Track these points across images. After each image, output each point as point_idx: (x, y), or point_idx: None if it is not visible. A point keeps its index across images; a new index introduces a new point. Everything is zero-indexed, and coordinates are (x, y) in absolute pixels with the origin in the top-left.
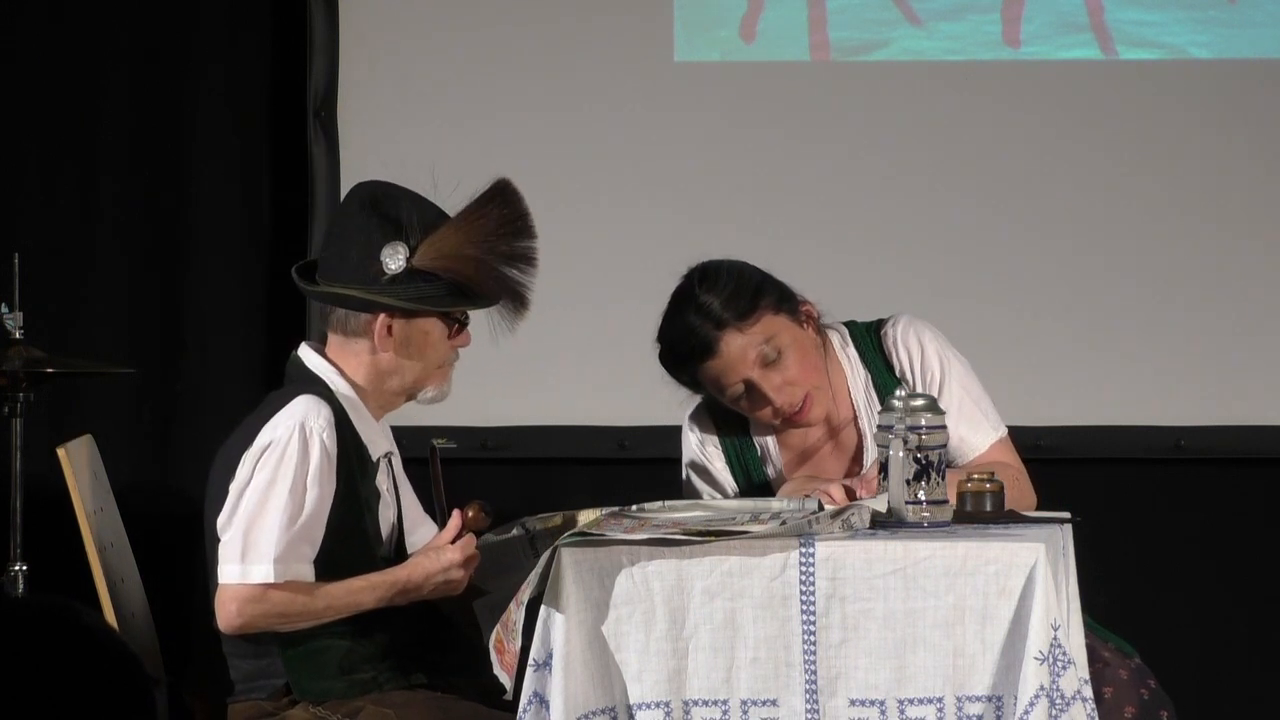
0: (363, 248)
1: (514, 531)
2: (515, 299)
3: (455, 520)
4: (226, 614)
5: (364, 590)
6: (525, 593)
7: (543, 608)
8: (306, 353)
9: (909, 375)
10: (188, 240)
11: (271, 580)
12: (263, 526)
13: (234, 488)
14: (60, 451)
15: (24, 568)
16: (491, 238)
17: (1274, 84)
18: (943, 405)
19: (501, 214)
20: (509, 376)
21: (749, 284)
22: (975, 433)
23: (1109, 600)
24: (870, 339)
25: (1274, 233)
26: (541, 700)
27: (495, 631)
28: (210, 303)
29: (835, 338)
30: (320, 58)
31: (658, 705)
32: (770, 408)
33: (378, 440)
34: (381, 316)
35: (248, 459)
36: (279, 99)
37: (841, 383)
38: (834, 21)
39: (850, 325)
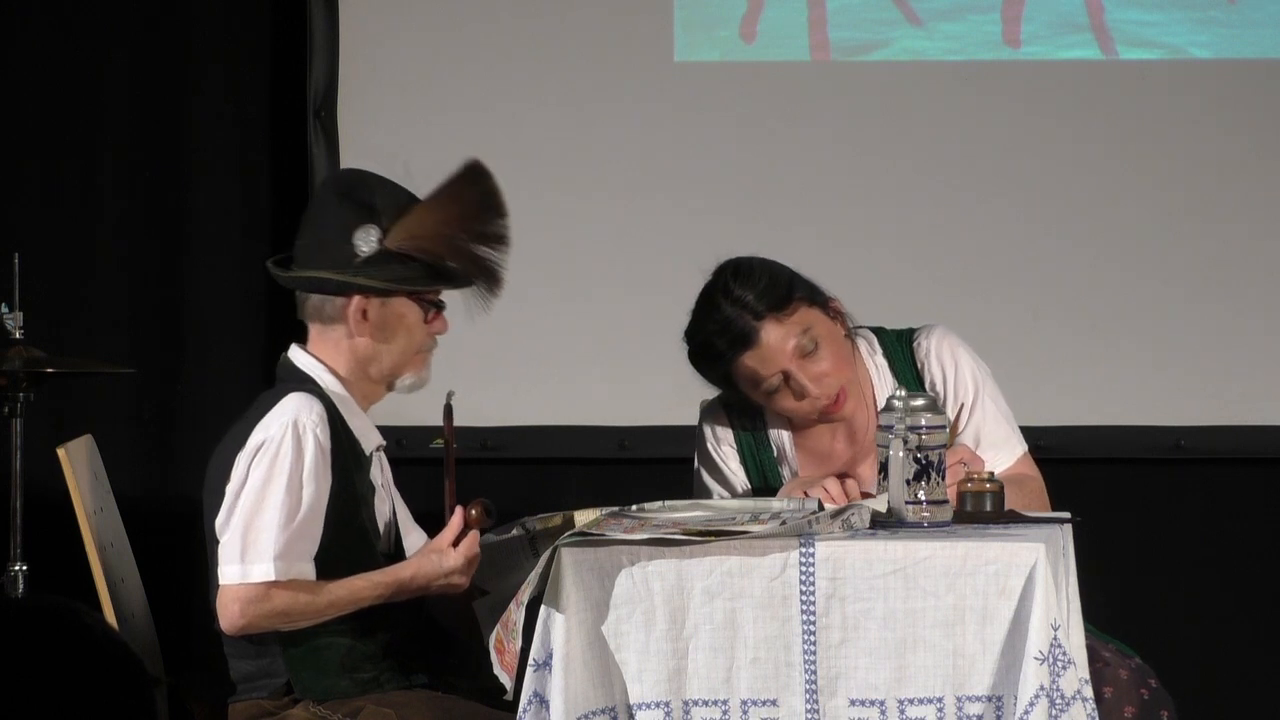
0: (336, 233)
1: (514, 531)
2: (489, 278)
3: (458, 519)
4: (230, 615)
5: (366, 589)
6: (525, 593)
7: (543, 608)
8: (296, 352)
9: (941, 388)
10: (188, 240)
11: (272, 578)
12: (261, 525)
13: (230, 489)
14: (60, 451)
15: (24, 568)
16: (463, 218)
17: (1274, 84)
18: (977, 421)
19: (473, 194)
20: (509, 376)
21: (783, 276)
22: (1005, 446)
23: (1109, 600)
24: (901, 349)
25: (1274, 233)
26: (541, 700)
27: (495, 631)
28: (210, 303)
29: (863, 344)
30: (320, 58)
31: (658, 705)
32: (806, 400)
33: (369, 434)
34: (355, 299)
35: (242, 459)
36: (279, 99)
37: (867, 390)
38: (834, 21)
39: (879, 332)
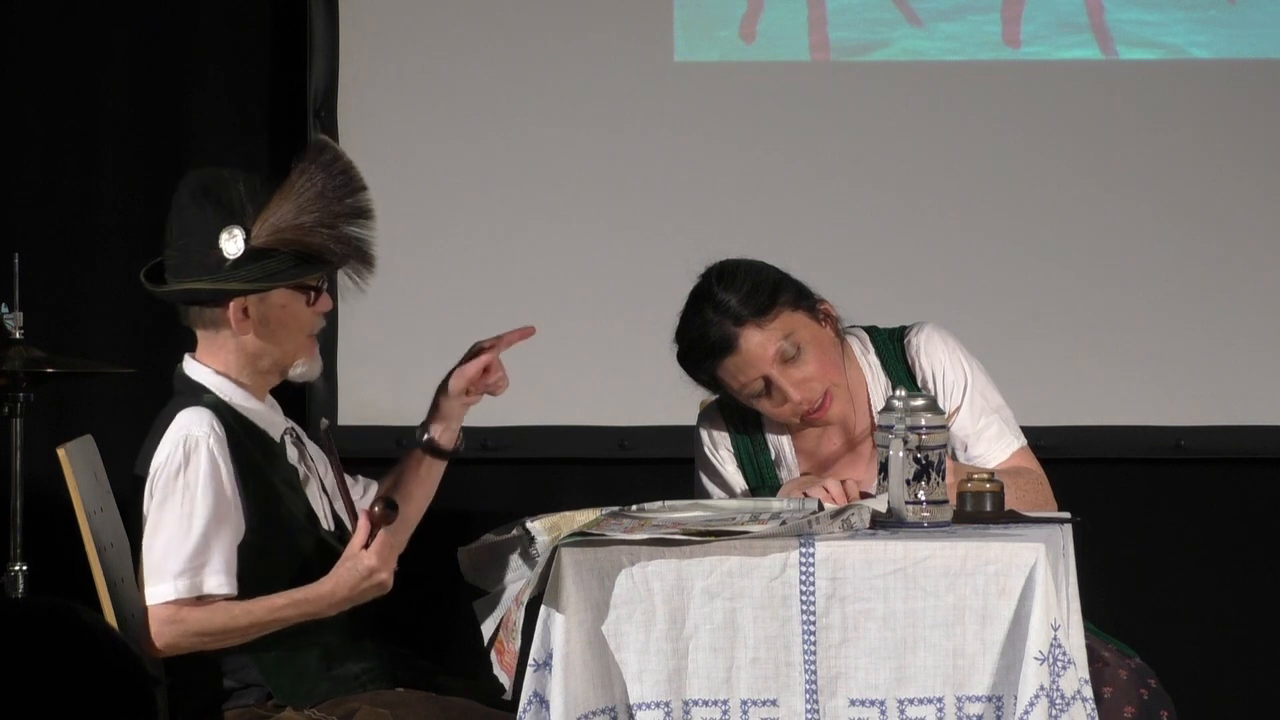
0: (201, 238)
1: (514, 531)
2: (359, 256)
3: (364, 523)
4: (150, 638)
5: (286, 607)
6: (525, 593)
7: (543, 608)
8: (187, 362)
9: (931, 384)
10: None
11: (173, 597)
12: (159, 546)
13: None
14: (60, 451)
15: (24, 568)
16: (321, 200)
17: (1274, 84)
18: (967, 415)
19: (325, 175)
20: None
21: (767, 281)
22: (998, 441)
23: (1109, 600)
24: (893, 347)
25: (1273, 233)
26: (541, 700)
27: (495, 632)
28: None
29: (855, 344)
30: (320, 58)
31: (658, 705)
32: (789, 405)
33: (275, 420)
34: (233, 302)
35: (145, 489)
36: (279, 99)
37: (861, 389)
38: (834, 21)
39: (872, 331)
